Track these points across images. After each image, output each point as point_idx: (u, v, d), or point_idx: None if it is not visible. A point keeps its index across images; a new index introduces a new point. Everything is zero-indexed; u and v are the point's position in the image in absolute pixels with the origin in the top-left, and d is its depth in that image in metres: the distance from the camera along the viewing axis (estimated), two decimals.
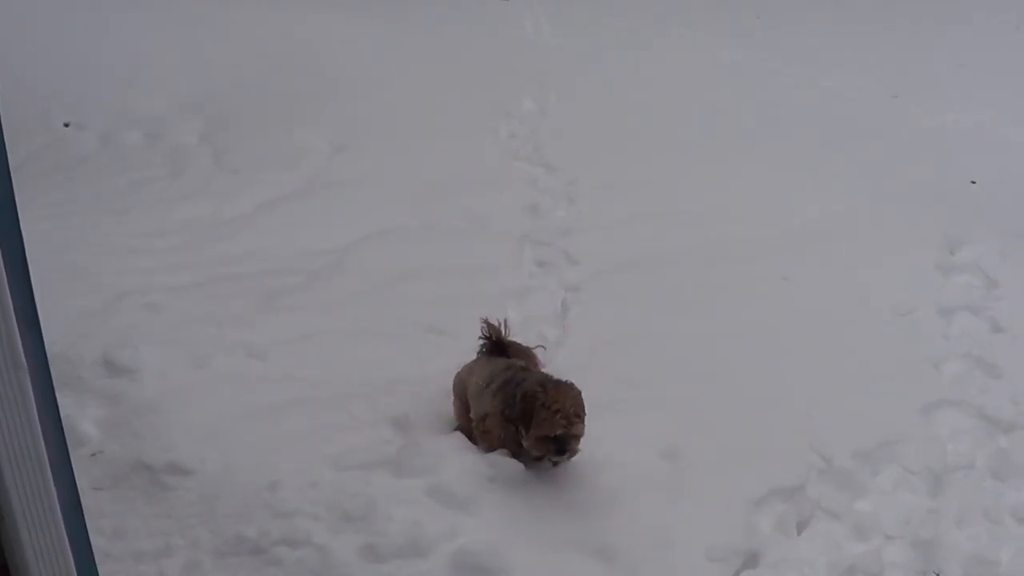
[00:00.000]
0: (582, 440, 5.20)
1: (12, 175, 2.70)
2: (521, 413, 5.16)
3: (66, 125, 10.09)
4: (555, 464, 5.25)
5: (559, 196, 9.02)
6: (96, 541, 4.83)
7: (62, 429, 3.25)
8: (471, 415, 5.60)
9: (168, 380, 5.96)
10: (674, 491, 5.43)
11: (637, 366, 6.51)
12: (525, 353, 6.01)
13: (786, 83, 13.12)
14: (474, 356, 5.98)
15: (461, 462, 5.37)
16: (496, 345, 5.93)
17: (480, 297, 7.15)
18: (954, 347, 7.16)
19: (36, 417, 3.01)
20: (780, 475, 5.71)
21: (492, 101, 11.43)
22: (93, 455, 5.48)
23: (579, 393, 5.17)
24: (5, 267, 2.80)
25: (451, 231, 8.17)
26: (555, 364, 6.45)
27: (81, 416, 5.67)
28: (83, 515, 3.41)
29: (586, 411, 5.16)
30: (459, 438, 5.59)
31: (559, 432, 5.06)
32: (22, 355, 2.92)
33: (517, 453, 5.34)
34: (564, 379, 5.30)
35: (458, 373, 5.87)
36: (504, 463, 5.37)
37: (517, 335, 6.26)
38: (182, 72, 11.33)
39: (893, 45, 14.76)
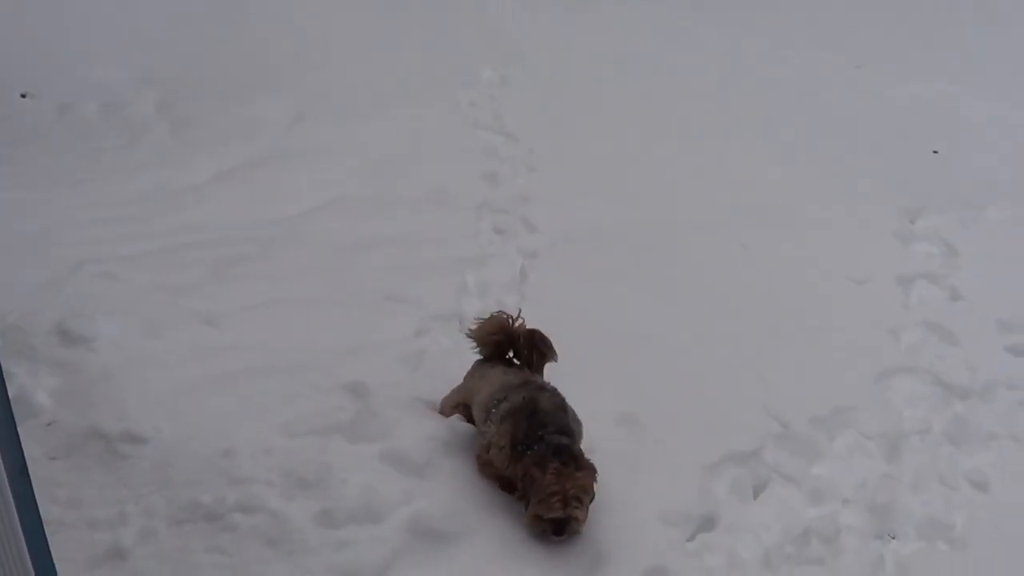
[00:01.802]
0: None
1: None
2: (521, 481, 4.87)
3: (23, 96, 9.98)
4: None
5: (518, 165, 8.99)
6: (51, 510, 4.87)
7: (6, 395, 3.22)
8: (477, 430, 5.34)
9: (123, 349, 5.90)
10: (629, 457, 5.45)
11: (594, 334, 6.51)
12: (539, 346, 5.56)
13: (748, 55, 13.09)
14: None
15: (416, 428, 5.37)
16: (506, 343, 5.60)
17: (438, 265, 7.15)
18: (912, 315, 7.21)
19: None
20: (736, 440, 5.74)
21: (452, 71, 11.35)
22: (48, 425, 5.43)
23: (589, 473, 4.84)
24: None
25: (409, 200, 8.12)
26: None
27: (36, 386, 5.61)
28: (30, 480, 3.38)
29: (594, 491, 4.87)
30: (415, 405, 5.57)
31: (556, 515, 4.75)
32: None
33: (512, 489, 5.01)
34: (578, 452, 4.95)
35: (471, 370, 5.66)
36: (460, 428, 5.37)
37: (477, 307, 6.32)
38: (140, 43, 11.20)
39: (857, 17, 14.75)
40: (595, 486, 4.84)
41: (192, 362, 5.84)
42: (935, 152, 10.26)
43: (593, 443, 5.32)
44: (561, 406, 5.11)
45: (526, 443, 4.88)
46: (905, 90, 12.13)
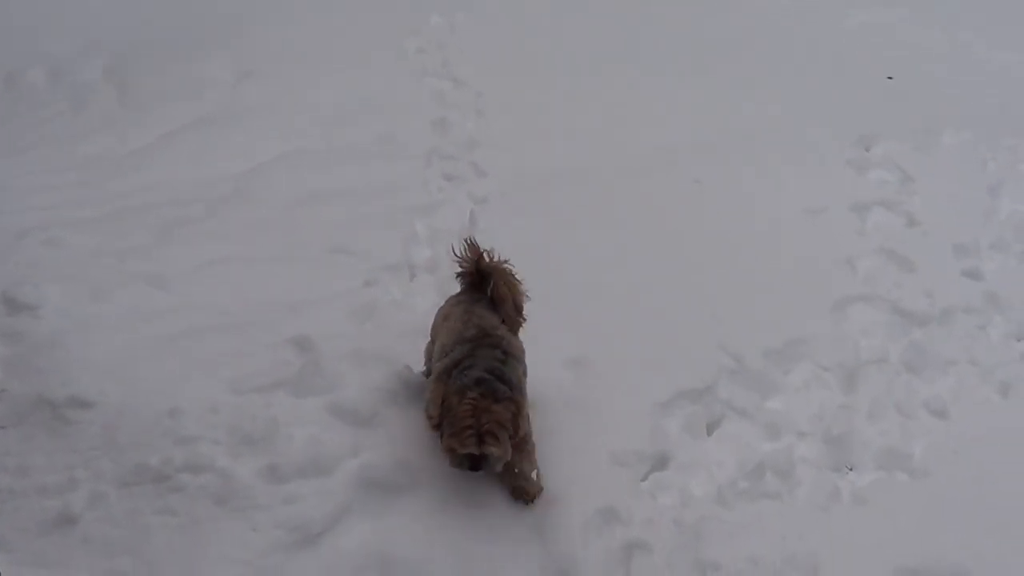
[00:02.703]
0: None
1: None
2: (440, 407, 4.67)
3: None
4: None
5: (467, 110, 8.90)
6: (1, 479, 4.82)
7: None
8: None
9: (69, 315, 5.84)
10: (579, 401, 5.43)
11: (544, 278, 6.35)
12: (510, 283, 5.30)
13: None
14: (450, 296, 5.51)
15: (362, 379, 5.34)
16: (476, 275, 5.33)
17: (387, 215, 7.09)
18: (867, 243, 7.17)
19: None
20: (689, 378, 5.71)
21: (400, 20, 11.22)
22: None
23: (507, 406, 4.60)
24: None
25: (358, 152, 8.04)
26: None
27: None
28: None
29: (518, 428, 4.64)
30: (361, 357, 5.52)
31: (469, 451, 4.55)
32: None
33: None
34: (504, 387, 4.65)
35: (439, 309, 5.41)
36: (407, 377, 5.33)
37: (427, 255, 6.27)
38: (86, 10, 11.05)
39: None
40: (523, 420, 4.68)
41: (138, 325, 5.79)
42: (889, 79, 10.21)
43: (545, 387, 5.30)
44: (500, 359, 4.82)
45: (453, 376, 4.71)
46: (860, 17, 12.06)
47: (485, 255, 5.31)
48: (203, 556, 4.56)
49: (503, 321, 5.17)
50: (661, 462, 5.21)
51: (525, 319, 5.38)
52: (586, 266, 6.71)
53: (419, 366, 5.48)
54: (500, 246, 6.73)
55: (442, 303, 5.46)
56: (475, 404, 4.53)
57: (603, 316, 6.17)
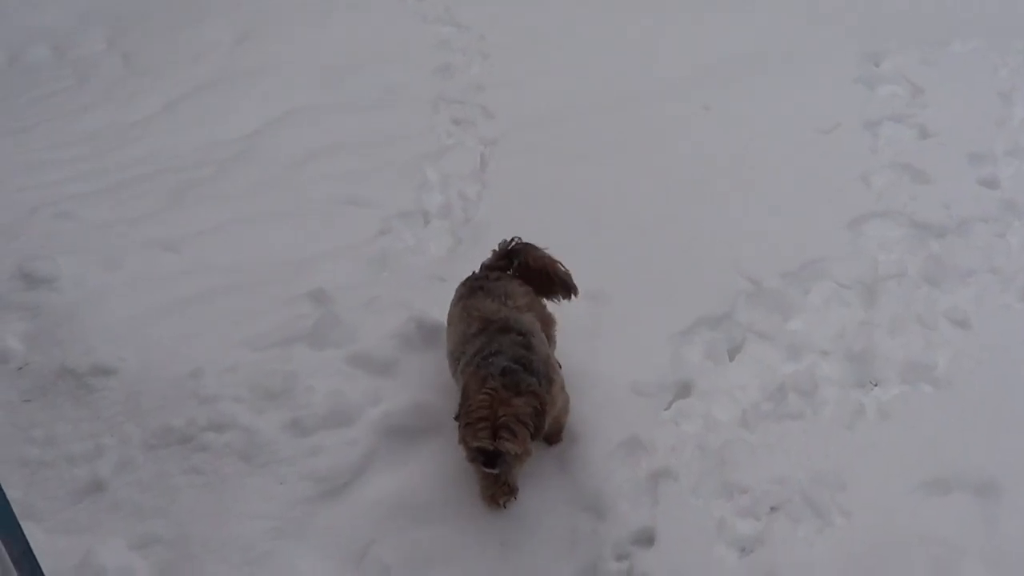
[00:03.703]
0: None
1: None
2: (461, 393, 4.42)
3: None
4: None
5: (472, 53, 8.85)
6: (30, 451, 4.92)
7: None
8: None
9: (85, 285, 5.91)
10: (598, 333, 5.42)
11: (559, 214, 6.45)
12: (548, 267, 5.07)
13: None
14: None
15: (379, 327, 5.36)
16: (506, 258, 5.11)
17: (397, 163, 7.09)
18: (881, 158, 7.08)
19: None
20: (707, 304, 5.68)
21: None
22: (19, 368, 5.45)
23: (528, 400, 4.27)
24: None
25: (364, 103, 8.02)
26: (476, 220, 6.43)
27: (5, 332, 5.65)
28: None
29: (540, 426, 4.33)
30: (377, 305, 5.53)
31: (481, 445, 4.25)
32: None
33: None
34: (531, 379, 4.35)
35: (455, 294, 5.06)
36: (424, 321, 5.34)
37: (440, 201, 6.28)
38: None
39: None
40: (546, 417, 4.36)
41: (153, 290, 5.84)
42: None
43: (563, 322, 5.29)
44: (523, 344, 4.51)
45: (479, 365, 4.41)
46: None
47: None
48: (232, 512, 4.60)
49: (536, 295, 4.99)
50: (684, 390, 5.20)
51: (575, 289, 5.14)
52: (598, 199, 6.68)
53: (433, 310, 5.46)
54: (511, 186, 6.78)
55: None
56: (493, 395, 4.21)
57: (617, 248, 6.15)
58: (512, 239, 5.13)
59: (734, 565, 4.40)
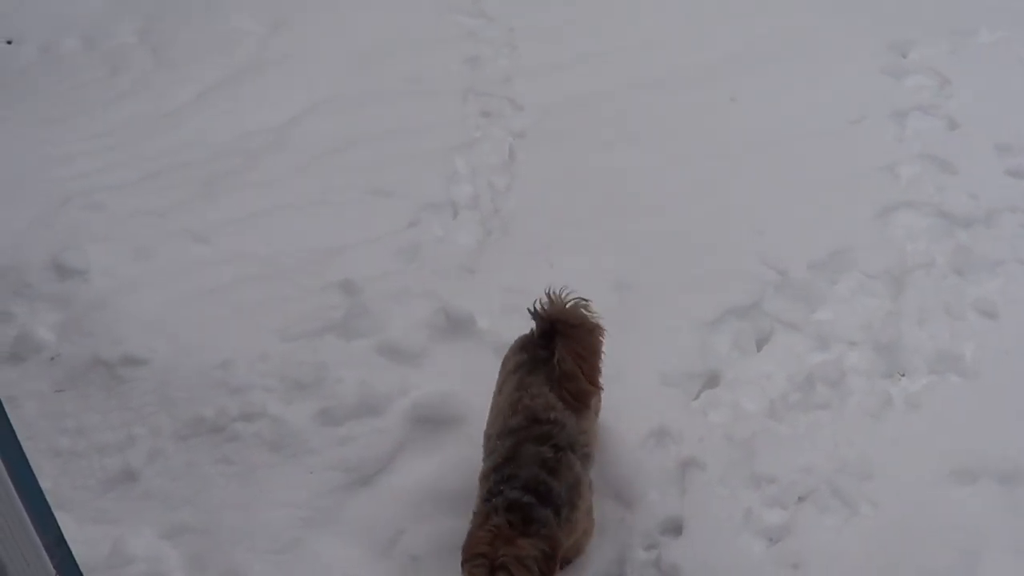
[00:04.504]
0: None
1: None
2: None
3: (8, 43, 9.90)
4: None
5: (499, 45, 8.80)
6: (61, 441, 4.96)
7: None
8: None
9: (116, 276, 5.94)
10: (627, 323, 5.40)
11: (587, 204, 6.47)
12: (582, 352, 4.31)
13: None
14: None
15: (407, 317, 5.40)
16: (545, 328, 4.34)
17: (426, 154, 7.08)
18: (908, 149, 7.06)
19: None
20: (735, 294, 5.70)
21: None
22: (51, 359, 5.49)
23: (535, 543, 3.73)
24: None
25: (392, 94, 8.00)
26: (505, 211, 6.44)
27: (36, 323, 5.68)
28: (3, 409, 3.39)
29: (544, 569, 3.74)
30: (406, 296, 5.57)
31: None
32: None
33: None
34: (545, 513, 3.82)
35: (503, 362, 4.54)
36: (452, 312, 5.37)
37: (469, 192, 6.32)
38: None
39: None
40: (556, 562, 3.80)
41: (184, 280, 5.88)
42: None
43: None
44: (551, 461, 3.96)
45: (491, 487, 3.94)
46: None
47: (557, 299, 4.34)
48: (262, 502, 4.65)
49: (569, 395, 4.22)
50: (712, 380, 5.22)
51: (602, 388, 4.46)
52: (627, 188, 6.69)
53: (462, 301, 5.49)
54: (540, 177, 6.79)
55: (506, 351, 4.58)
56: (496, 532, 3.72)
57: (645, 237, 6.17)
58: (548, 316, 4.32)
59: (761, 554, 4.42)
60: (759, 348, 5.48)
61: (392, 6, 9.49)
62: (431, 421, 4.86)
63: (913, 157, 6.97)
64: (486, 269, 5.86)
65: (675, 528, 4.50)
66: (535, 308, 4.27)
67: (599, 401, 4.57)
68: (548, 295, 4.33)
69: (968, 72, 7.95)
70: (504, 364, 4.46)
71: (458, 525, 4.31)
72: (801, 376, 5.24)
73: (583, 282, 5.26)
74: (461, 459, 4.70)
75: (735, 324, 5.54)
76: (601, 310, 5.25)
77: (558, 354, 4.18)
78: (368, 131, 7.46)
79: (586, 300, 4.34)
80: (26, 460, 3.48)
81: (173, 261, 6.05)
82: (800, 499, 4.62)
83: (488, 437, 4.24)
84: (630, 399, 4.96)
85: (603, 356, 4.44)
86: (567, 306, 4.29)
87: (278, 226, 6.41)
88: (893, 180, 6.74)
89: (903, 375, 5.33)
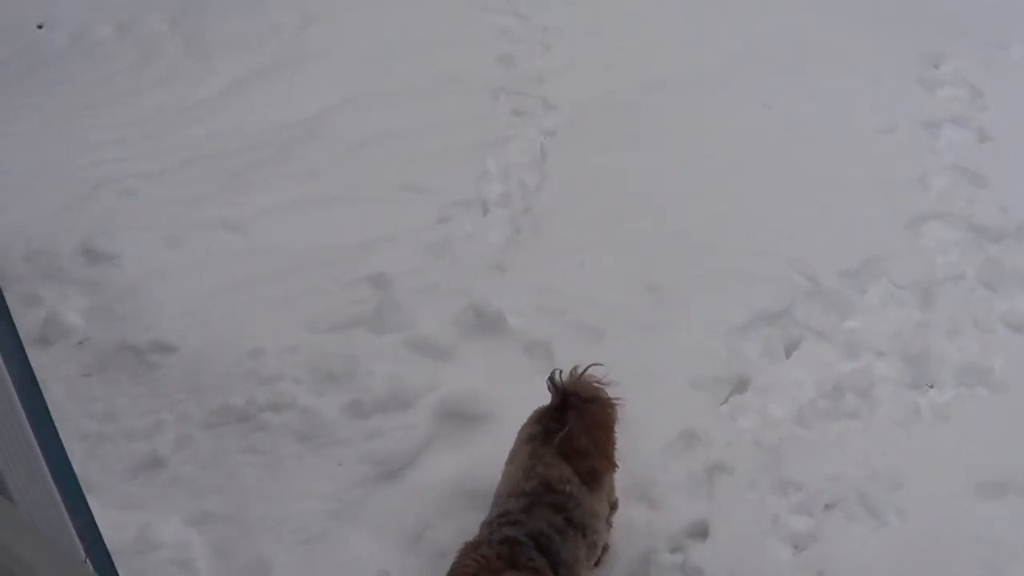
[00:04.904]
0: None
1: None
2: None
3: (39, 27, 9.94)
4: None
5: (533, 44, 8.80)
6: (89, 425, 4.97)
7: (4, 303, 3.22)
8: None
9: (147, 262, 5.97)
10: (656, 325, 5.43)
11: (618, 205, 6.47)
12: (594, 429, 4.00)
13: None
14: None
15: (439, 314, 5.40)
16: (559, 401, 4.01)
17: (457, 151, 7.09)
18: (940, 160, 7.05)
19: None
20: (765, 300, 5.69)
21: None
22: (80, 343, 5.51)
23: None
24: None
25: (424, 90, 8.01)
26: (536, 210, 6.44)
27: (66, 307, 5.70)
28: (39, 390, 3.40)
29: None
30: (437, 292, 5.58)
31: None
32: None
33: None
34: (538, 558, 3.51)
35: (518, 433, 4.20)
36: (482, 309, 5.37)
37: (499, 190, 6.32)
38: None
39: None
40: None
41: (214, 269, 5.89)
42: None
43: (621, 313, 5.32)
44: (558, 527, 3.67)
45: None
46: None
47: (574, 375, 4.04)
48: (289, 492, 4.65)
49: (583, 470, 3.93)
50: (740, 385, 5.21)
51: (617, 467, 4.16)
52: (657, 190, 6.69)
53: (492, 299, 5.50)
54: (571, 177, 6.79)
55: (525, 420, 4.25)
56: (480, 563, 3.41)
57: (676, 239, 6.17)
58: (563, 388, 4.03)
59: (788, 561, 4.41)
60: (788, 354, 5.47)
61: (425, 3, 9.53)
62: (459, 417, 4.87)
63: (944, 168, 6.96)
64: (516, 267, 5.86)
65: (701, 531, 4.50)
66: (552, 379, 4.05)
67: (613, 488, 4.34)
68: (571, 372, 4.05)
69: (1000, 85, 7.95)
70: (519, 434, 4.19)
71: None
72: (830, 384, 5.23)
73: (613, 282, 5.34)
74: (488, 456, 4.68)
75: (765, 330, 5.53)
76: (630, 310, 5.29)
77: (570, 428, 3.92)
78: (400, 126, 7.47)
79: (603, 378, 4.08)
80: (60, 441, 3.49)
81: (204, 250, 6.07)
82: (827, 507, 4.61)
83: (498, 495, 3.99)
84: (659, 401, 4.97)
85: (616, 434, 4.15)
86: (583, 380, 4.05)
87: (308, 219, 6.43)
88: (924, 191, 6.73)
89: (931, 387, 5.32)
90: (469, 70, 8.33)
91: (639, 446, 4.72)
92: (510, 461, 4.10)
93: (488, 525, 3.71)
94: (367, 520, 4.55)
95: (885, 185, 6.75)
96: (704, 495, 4.63)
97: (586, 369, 4.03)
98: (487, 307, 5.40)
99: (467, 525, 4.43)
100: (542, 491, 3.79)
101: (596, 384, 4.02)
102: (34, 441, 3.20)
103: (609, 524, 4.30)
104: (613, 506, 4.38)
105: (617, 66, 8.29)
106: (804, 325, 5.61)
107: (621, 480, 4.38)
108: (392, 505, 4.60)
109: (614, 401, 4.07)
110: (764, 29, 8.84)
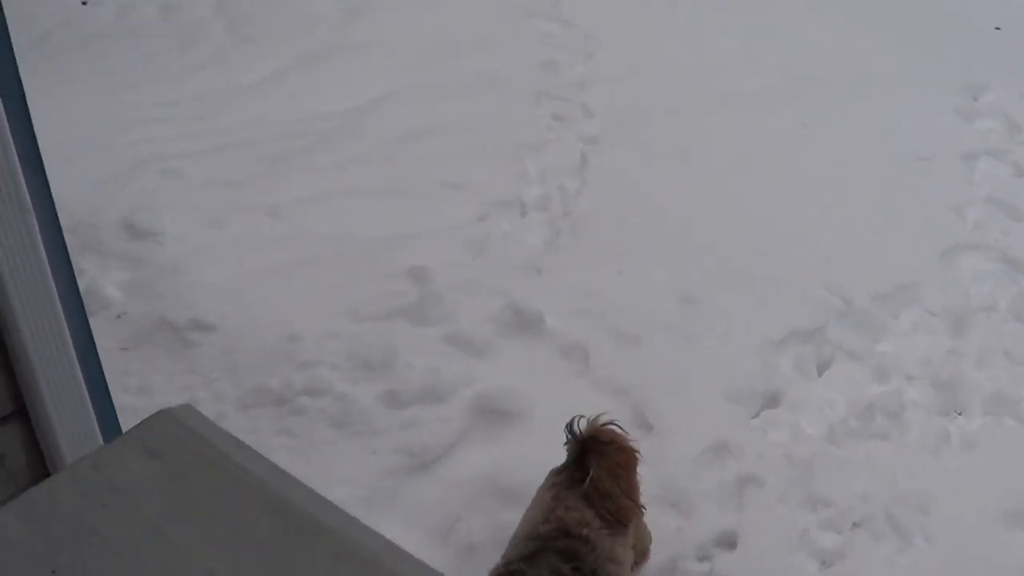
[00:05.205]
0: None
1: (31, 52, 2.74)
2: None
3: (84, 3, 10.01)
4: None
5: (576, 51, 8.86)
6: (124, 398, 5.00)
7: (71, 269, 3.28)
8: None
9: (188, 241, 6.01)
10: (692, 335, 5.46)
11: (655, 215, 6.51)
12: (617, 470, 3.81)
13: None
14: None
15: (477, 310, 5.43)
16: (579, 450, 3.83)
17: (496, 151, 7.13)
18: (976, 191, 7.08)
19: (44, 258, 3.03)
20: (799, 318, 5.71)
21: None
22: (118, 317, 5.55)
23: None
24: (6, 114, 2.80)
25: (466, 89, 8.07)
26: (575, 214, 6.47)
27: (105, 280, 5.73)
28: (98, 356, 3.46)
29: None
30: (476, 288, 5.62)
31: None
32: (28, 199, 2.92)
33: None
34: None
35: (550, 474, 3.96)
36: (521, 307, 5.41)
37: (538, 193, 6.33)
38: None
39: None
40: None
41: (255, 252, 5.93)
42: (997, 29, 10.05)
43: (657, 321, 5.35)
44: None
45: None
46: None
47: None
48: (322, 476, 4.65)
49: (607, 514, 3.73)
50: (772, 400, 5.23)
51: (644, 509, 3.99)
52: (695, 203, 6.72)
53: (530, 299, 5.54)
54: (610, 184, 6.83)
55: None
56: None
57: (712, 252, 6.20)
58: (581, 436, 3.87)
59: None
60: (820, 373, 5.49)
61: (469, 4, 9.58)
62: (494, 413, 4.88)
63: (980, 200, 6.99)
64: (554, 270, 5.89)
65: (729, 542, 4.51)
66: (571, 427, 3.89)
67: (644, 536, 4.24)
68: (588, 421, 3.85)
69: None
70: (542, 484, 3.97)
71: (514, 518, 4.34)
72: (861, 404, 5.25)
73: (650, 291, 5.36)
74: (520, 454, 4.73)
75: (798, 347, 5.55)
76: (665, 321, 5.32)
77: (593, 471, 3.73)
78: (440, 124, 7.52)
79: (618, 424, 3.90)
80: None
81: (245, 234, 6.11)
82: (855, 525, 4.63)
83: (514, 537, 3.77)
84: (692, 410, 4.99)
85: (639, 479, 3.96)
86: (601, 427, 3.87)
87: (348, 209, 6.47)
88: (959, 221, 6.76)
89: (959, 413, 5.34)
90: (511, 73, 8.37)
91: (671, 454, 4.75)
92: (531, 507, 3.89)
93: (494, 572, 3.49)
94: (399, 510, 4.56)
95: (921, 213, 6.78)
96: (734, 506, 4.65)
97: (605, 423, 3.88)
98: (526, 307, 5.43)
99: (498, 520, 4.48)
100: (556, 536, 3.53)
101: (614, 429, 3.90)
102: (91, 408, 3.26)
103: (635, 574, 4.20)
104: (642, 554, 4.27)
105: (658, 78, 8.34)
106: (836, 345, 5.63)
107: (651, 487, 4.39)
108: (423, 496, 4.62)
109: (633, 446, 3.93)
110: (810, 52, 8.90)
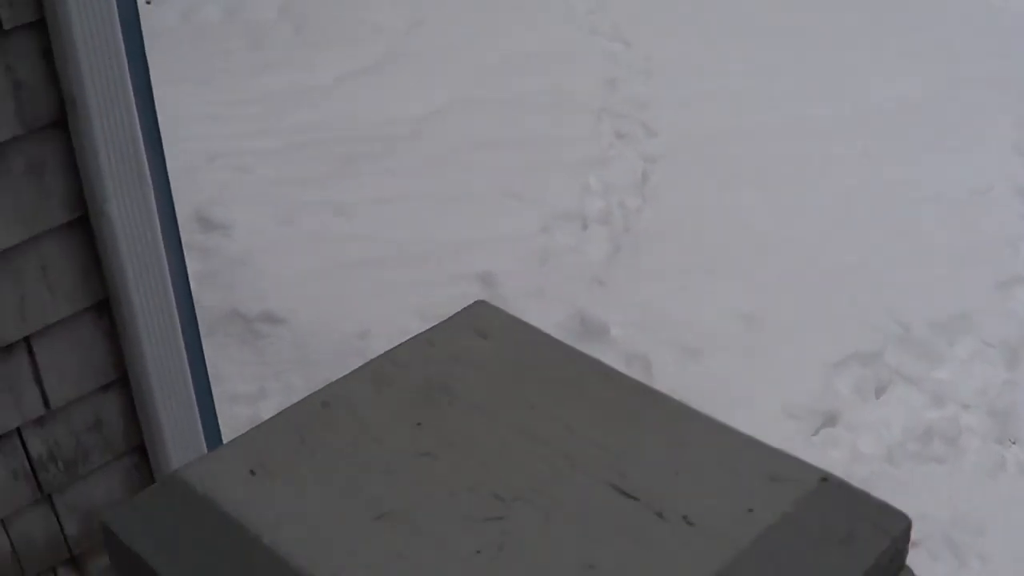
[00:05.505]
0: None
1: None
2: None
3: (148, 2, 10.12)
4: None
5: (637, 71, 8.92)
6: None
7: (180, 246, 3.39)
8: None
9: (259, 235, 6.12)
10: (753, 352, 5.53)
11: (715, 234, 6.57)
12: None
13: None
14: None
15: (544, 316, 5.41)
16: None
17: (559, 165, 7.22)
18: None
19: (159, 231, 3.14)
20: (858, 341, 5.77)
21: None
22: None
23: None
24: (134, 94, 2.92)
25: (529, 103, 8.14)
26: (636, 230, 6.56)
27: None
28: (199, 333, 3.56)
29: None
30: (541, 295, 5.71)
31: None
32: (148, 172, 3.05)
33: None
34: None
35: None
36: (587, 317, 5.49)
37: (600, 207, 6.49)
38: None
39: None
40: None
41: (324, 250, 6.03)
42: None
43: (719, 337, 5.42)
44: None
45: None
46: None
47: None
48: None
49: None
50: (831, 419, 5.30)
51: None
52: (756, 225, 6.78)
53: (595, 310, 5.63)
54: (672, 202, 6.92)
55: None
56: None
57: (772, 273, 6.26)
58: None
59: None
60: (878, 396, 5.55)
61: (532, 21, 9.66)
62: None
63: None
64: (617, 283, 5.97)
65: None
66: None
67: None
68: None
69: None
70: None
71: None
72: (919, 428, 5.31)
73: (713, 308, 5.46)
74: None
75: (858, 370, 5.61)
76: (728, 337, 5.40)
77: None
78: (502, 135, 7.61)
79: None
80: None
81: (315, 231, 6.22)
82: (913, 544, 4.67)
83: None
84: (753, 425, 4.98)
85: None
86: None
87: (413, 212, 6.57)
88: (1014, 255, 6.79)
89: (1014, 443, 5.40)
90: (572, 89, 8.46)
91: None
92: None
93: None
94: None
95: (977, 245, 6.82)
96: None
97: None
98: (591, 316, 5.51)
99: None
100: None
101: None
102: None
103: None
104: None
105: (720, 103, 8.38)
106: (895, 369, 5.69)
107: None
108: None
109: None
110: (872, 89, 8.91)
